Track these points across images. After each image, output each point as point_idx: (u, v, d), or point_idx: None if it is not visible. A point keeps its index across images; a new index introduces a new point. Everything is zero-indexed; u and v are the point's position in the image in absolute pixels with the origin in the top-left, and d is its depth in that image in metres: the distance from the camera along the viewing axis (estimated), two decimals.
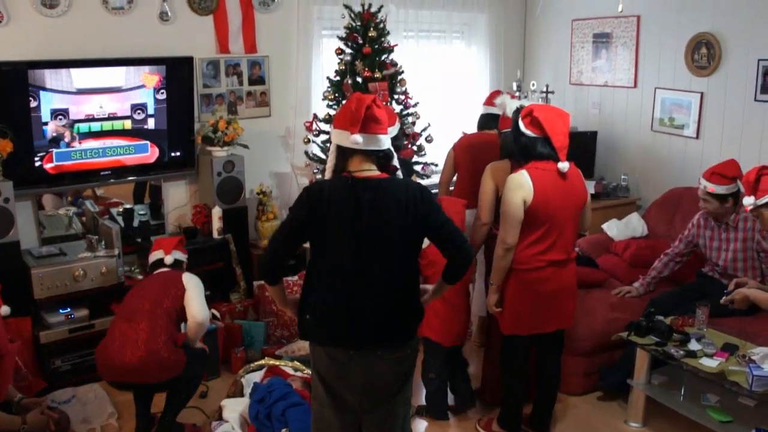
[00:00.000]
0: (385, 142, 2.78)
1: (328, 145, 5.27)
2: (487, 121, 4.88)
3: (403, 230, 2.70)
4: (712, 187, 4.26)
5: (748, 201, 3.55)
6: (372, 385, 2.80)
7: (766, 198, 3.44)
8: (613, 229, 5.49)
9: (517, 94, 6.05)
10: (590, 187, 5.78)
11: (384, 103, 4.88)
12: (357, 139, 2.68)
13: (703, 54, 5.41)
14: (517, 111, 3.66)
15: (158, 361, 3.61)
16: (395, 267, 2.75)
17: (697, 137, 5.56)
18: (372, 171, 2.76)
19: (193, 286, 3.88)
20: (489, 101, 4.93)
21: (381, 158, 2.81)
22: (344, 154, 2.78)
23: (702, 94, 5.48)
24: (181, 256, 4.22)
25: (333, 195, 2.69)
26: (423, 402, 4.27)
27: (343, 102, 5.06)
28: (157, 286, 3.88)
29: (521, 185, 3.46)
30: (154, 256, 4.17)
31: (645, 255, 5.04)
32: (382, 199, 2.69)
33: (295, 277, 5.13)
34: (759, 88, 5.03)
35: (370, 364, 2.76)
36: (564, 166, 3.48)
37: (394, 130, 3.51)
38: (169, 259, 4.12)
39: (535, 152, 3.52)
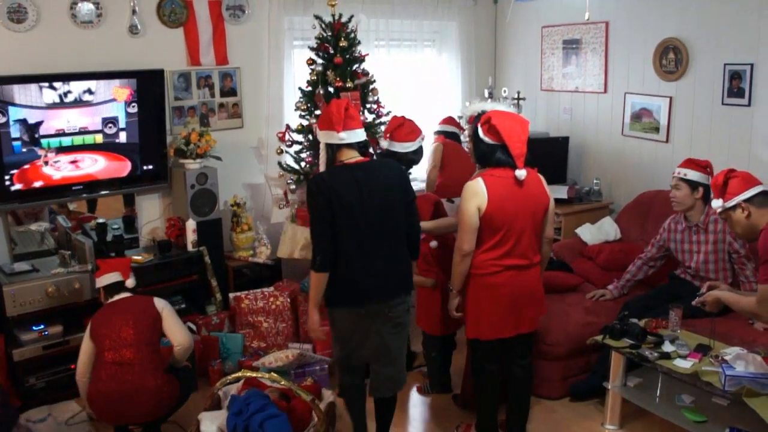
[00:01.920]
0: (362, 134, 3.50)
1: (301, 155, 5.28)
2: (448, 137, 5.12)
3: (395, 192, 3.45)
4: (685, 172, 4.38)
5: (717, 204, 3.58)
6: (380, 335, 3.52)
7: (733, 201, 3.47)
8: (587, 233, 5.54)
9: (488, 99, 6.10)
10: (562, 192, 5.86)
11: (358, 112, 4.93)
12: (342, 136, 3.40)
13: (671, 59, 5.48)
14: (477, 117, 3.69)
15: (162, 400, 3.71)
16: (396, 225, 3.47)
17: (667, 141, 5.63)
18: (357, 157, 3.47)
19: (168, 314, 3.86)
20: (443, 122, 5.21)
21: (361, 147, 3.53)
22: (333, 149, 3.46)
23: (671, 98, 5.54)
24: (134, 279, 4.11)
25: (334, 179, 3.36)
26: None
27: (317, 112, 5.10)
28: (133, 316, 3.78)
29: (475, 193, 3.51)
30: (110, 278, 3.96)
31: (618, 258, 5.09)
32: (373, 176, 3.42)
33: (271, 288, 5.13)
34: (726, 92, 5.11)
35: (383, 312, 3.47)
36: (521, 173, 3.52)
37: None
38: (130, 283, 4.02)
39: (492, 159, 3.56)
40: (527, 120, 3.70)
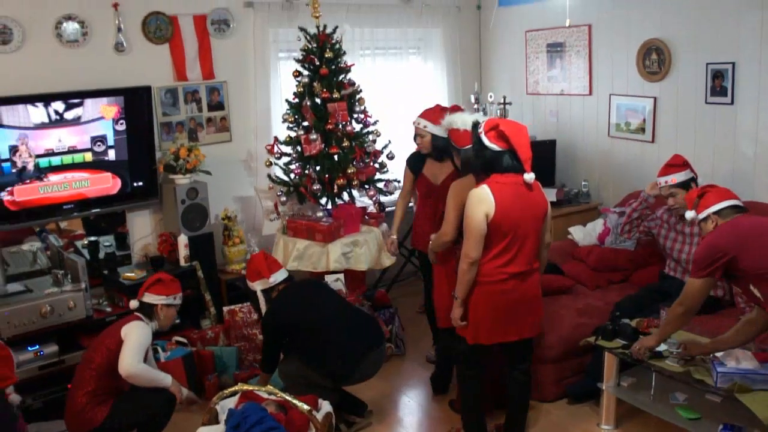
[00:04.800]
0: (284, 270, 4.30)
1: (290, 167, 5.31)
2: None
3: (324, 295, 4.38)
4: (673, 178, 4.45)
5: (690, 215, 3.68)
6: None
7: (704, 213, 3.57)
8: (579, 234, 5.58)
9: (475, 106, 6.14)
10: (551, 194, 5.89)
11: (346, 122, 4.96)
12: (272, 279, 4.18)
13: (654, 60, 5.53)
14: (476, 126, 3.70)
15: (82, 422, 3.73)
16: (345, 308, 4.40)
17: (653, 141, 5.68)
18: (288, 281, 4.29)
19: (128, 340, 3.78)
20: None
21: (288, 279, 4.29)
22: (268, 291, 4.20)
23: (655, 98, 5.59)
24: (154, 298, 4.01)
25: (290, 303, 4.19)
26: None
27: (305, 124, 5.14)
28: (104, 338, 3.84)
29: (482, 200, 3.51)
30: (133, 304, 4.04)
31: (608, 259, 5.15)
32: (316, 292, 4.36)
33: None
34: (709, 91, 5.16)
35: None
36: (530, 177, 3.54)
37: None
38: (133, 304, 4.01)
39: (500, 165, 3.56)
40: (526, 125, 3.73)
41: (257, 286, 4.19)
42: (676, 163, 4.50)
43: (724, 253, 3.33)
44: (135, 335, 3.80)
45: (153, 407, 3.85)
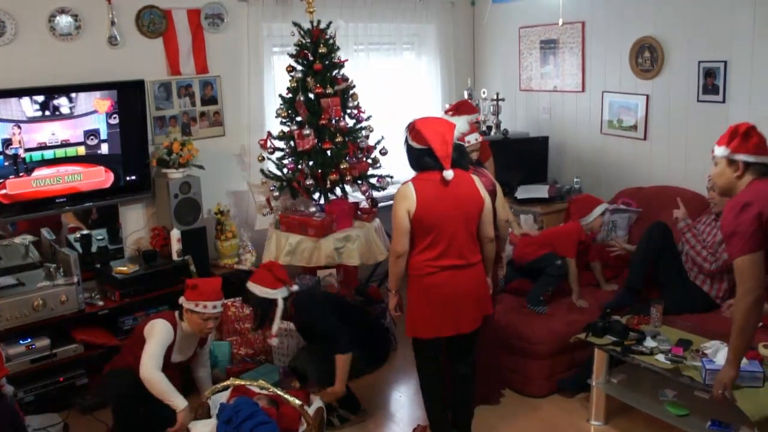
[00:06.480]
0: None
1: (284, 162, 5.31)
2: None
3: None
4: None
5: (720, 151, 3.27)
6: None
7: (738, 156, 3.20)
8: None
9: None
10: (543, 191, 5.92)
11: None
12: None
13: (647, 57, 5.55)
14: (408, 125, 3.79)
15: None
16: None
17: (645, 138, 5.71)
18: None
19: (149, 340, 3.85)
20: None
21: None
22: (287, 300, 4.18)
23: (647, 96, 5.62)
24: (182, 301, 4.01)
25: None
26: None
27: (298, 119, 5.14)
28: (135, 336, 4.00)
29: (405, 197, 3.62)
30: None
31: (597, 256, 5.17)
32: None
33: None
34: (701, 89, 5.19)
35: None
36: (448, 174, 3.59)
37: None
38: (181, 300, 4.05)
39: (424, 163, 3.67)
40: (453, 123, 3.79)
41: (279, 294, 4.13)
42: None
43: (750, 203, 3.06)
44: (154, 338, 3.85)
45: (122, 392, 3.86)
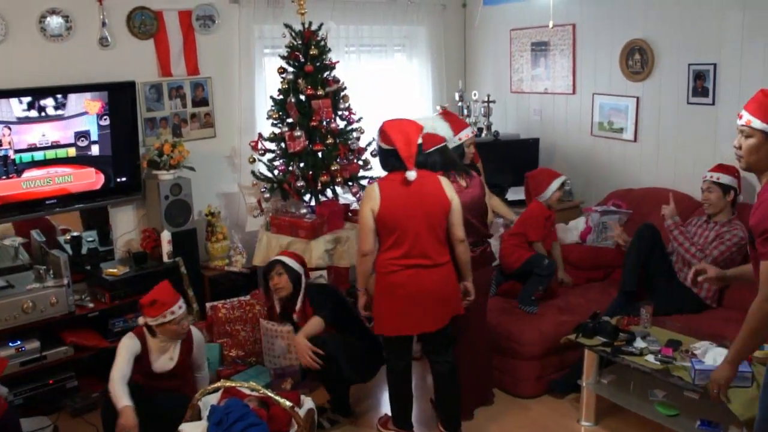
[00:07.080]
0: None
1: (274, 163, 5.31)
2: None
3: None
4: (718, 176, 4.54)
5: (758, 123, 2.71)
6: None
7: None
8: (562, 232, 5.61)
9: (459, 104, 6.13)
10: None
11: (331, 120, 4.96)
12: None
13: (637, 60, 5.57)
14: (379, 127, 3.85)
15: None
16: None
17: (635, 140, 5.73)
18: None
19: (116, 355, 3.86)
20: None
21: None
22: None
23: (638, 98, 5.64)
24: (144, 319, 3.97)
25: None
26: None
27: (289, 120, 5.14)
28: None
29: (370, 197, 3.72)
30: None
31: (590, 257, 5.21)
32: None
33: (248, 296, 5.13)
34: (690, 91, 5.21)
35: None
36: (410, 174, 3.65)
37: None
38: (140, 320, 4.00)
39: (389, 163, 3.77)
40: (420, 125, 3.84)
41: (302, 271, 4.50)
42: (730, 169, 4.53)
43: None
44: (118, 352, 3.86)
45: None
